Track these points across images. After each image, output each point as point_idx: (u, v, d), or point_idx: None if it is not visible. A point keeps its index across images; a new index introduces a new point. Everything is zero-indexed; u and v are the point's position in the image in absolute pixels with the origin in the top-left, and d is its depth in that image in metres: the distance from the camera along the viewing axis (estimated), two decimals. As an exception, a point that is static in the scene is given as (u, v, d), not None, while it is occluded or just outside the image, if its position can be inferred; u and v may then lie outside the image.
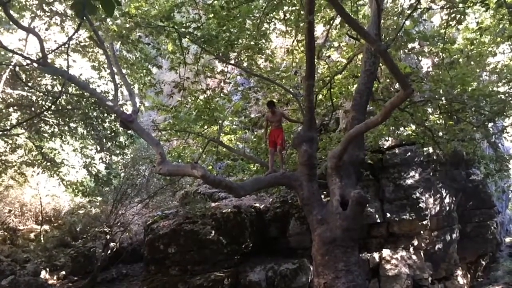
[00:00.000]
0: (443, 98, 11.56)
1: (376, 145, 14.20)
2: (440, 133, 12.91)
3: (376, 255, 14.07)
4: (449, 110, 12.08)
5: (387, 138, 14.63)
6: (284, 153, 10.09)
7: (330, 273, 8.09)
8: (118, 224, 17.66)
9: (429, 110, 13.26)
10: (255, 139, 14.27)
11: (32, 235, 19.60)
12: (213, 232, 14.44)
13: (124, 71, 12.65)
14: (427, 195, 14.53)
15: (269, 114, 9.75)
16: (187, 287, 13.84)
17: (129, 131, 14.55)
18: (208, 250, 14.35)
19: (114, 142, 15.62)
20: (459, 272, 16.80)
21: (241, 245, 14.80)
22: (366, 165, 13.66)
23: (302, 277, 13.92)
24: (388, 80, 13.03)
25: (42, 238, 18.87)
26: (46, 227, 20.27)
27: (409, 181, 14.46)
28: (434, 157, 14.99)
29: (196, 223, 14.65)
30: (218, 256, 14.40)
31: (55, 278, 16.91)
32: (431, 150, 14.49)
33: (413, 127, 13.19)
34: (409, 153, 14.61)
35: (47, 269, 16.92)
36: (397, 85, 12.56)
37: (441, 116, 12.83)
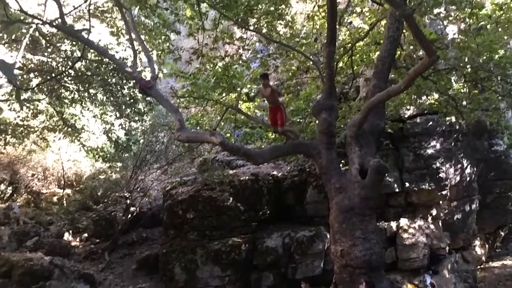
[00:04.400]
0: (468, 66, 11.21)
1: (396, 114, 13.95)
2: (464, 102, 12.59)
3: (393, 224, 14.05)
4: (474, 79, 11.73)
5: (408, 107, 14.34)
6: (287, 129, 9.66)
7: (347, 240, 8.13)
8: (138, 189, 17.98)
9: (453, 78, 12.90)
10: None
11: (55, 199, 20.15)
12: (230, 199, 14.58)
13: (142, 37, 12.55)
14: (447, 165, 14.32)
15: (261, 88, 9.26)
16: (205, 251, 14.13)
17: (148, 98, 14.59)
18: (225, 216, 14.54)
19: (133, 108, 15.69)
20: (477, 243, 16.77)
21: (258, 212, 14.94)
22: (386, 134, 13.47)
23: (318, 244, 14.04)
24: (411, 47, 12.66)
25: (64, 202, 19.38)
26: (68, 191, 20.79)
27: (429, 151, 14.24)
28: (457, 127, 14.67)
29: (214, 190, 14.79)
30: (235, 223, 14.59)
31: (77, 240, 17.47)
32: (453, 119, 14.16)
33: (436, 95, 12.87)
34: (431, 123, 14.32)
35: (70, 232, 17.46)
36: (420, 52, 12.23)
37: (465, 85, 12.47)
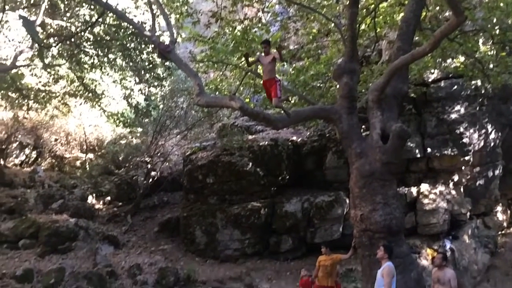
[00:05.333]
0: (496, 27, 10.74)
1: (420, 78, 13.58)
2: (491, 65, 12.13)
3: (413, 190, 13.96)
4: (502, 40, 11.24)
5: (432, 71, 13.92)
6: (282, 102, 8.50)
7: (367, 205, 8.10)
8: (158, 154, 18.20)
9: (481, 40, 12.40)
10: (293, 72, 13.92)
11: (78, 163, 20.57)
12: (250, 164, 14.65)
13: (160, 0, 12.36)
14: (471, 130, 14.01)
15: (262, 55, 8.47)
16: (225, 215, 14.36)
17: (167, 63, 14.52)
18: (245, 181, 14.67)
19: (152, 73, 15.68)
20: (499, 208, 16.58)
21: (278, 177, 15.01)
22: (408, 99, 13.19)
23: (337, 209, 14.10)
24: (437, 8, 12.17)
25: (87, 166, 19.76)
26: (90, 155, 21.16)
27: (453, 116, 13.92)
28: (482, 91, 14.23)
29: (234, 155, 14.86)
30: (255, 187, 14.72)
31: (101, 203, 17.91)
32: (479, 83, 13.70)
33: (462, 58, 12.44)
34: (455, 87, 13.93)
35: (93, 195, 17.89)
36: (447, 13, 11.76)
37: (493, 47, 11.99)
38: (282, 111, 8.58)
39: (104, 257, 13.06)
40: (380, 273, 6.80)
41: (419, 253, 12.72)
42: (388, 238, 7.86)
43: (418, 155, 14.10)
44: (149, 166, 17.67)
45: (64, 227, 13.59)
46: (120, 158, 20.12)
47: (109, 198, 18.04)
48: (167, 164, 18.77)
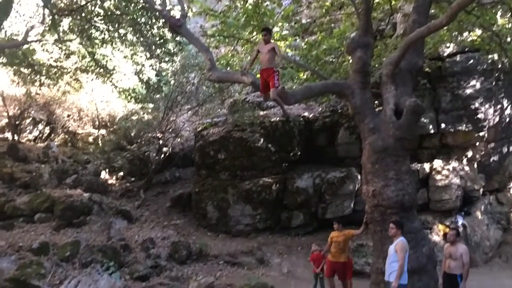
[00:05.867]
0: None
1: (435, 52, 13.30)
2: (508, 39, 11.84)
3: (426, 166, 13.84)
4: (522, 13, 10.94)
5: (448, 45, 13.60)
6: (278, 91, 7.87)
7: (379, 181, 8.07)
8: (170, 130, 18.23)
9: (499, 13, 12.05)
10: (305, 46, 13.72)
11: (90, 139, 20.72)
12: (261, 140, 14.64)
13: (170, -27, 12.19)
14: (486, 106, 13.74)
15: (262, 43, 8.03)
16: (237, 191, 14.45)
17: (178, 38, 14.39)
18: (256, 157, 14.68)
19: (163, 49, 15.55)
20: (513, 185, 16.42)
21: (289, 153, 14.99)
22: (423, 73, 12.94)
23: (349, 185, 14.09)
24: (454, -21, 11.79)
25: (100, 142, 19.91)
26: (103, 131, 21.30)
27: (468, 91, 13.65)
28: (499, 65, 13.90)
29: (245, 131, 14.84)
30: (266, 163, 14.74)
31: (114, 178, 18.11)
32: (496, 57, 13.36)
33: (479, 32, 12.13)
34: (471, 61, 13.61)
35: (106, 170, 18.07)
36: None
37: (511, 20, 11.67)
38: (280, 107, 8.42)
39: (118, 231, 13.28)
40: (393, 248, 6.81)
41: (430, 229, 12.70)
42: (400, 213, 7.85)
43: (432, 131, 13.94)
44: (160, 142, 17.75)
45: (78, 202, 13.79)
46: (132, 134, 20.22)
47: (121, 173, 18.21)
48: (178, 140, 18.82)
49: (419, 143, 14.32)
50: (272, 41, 8.16)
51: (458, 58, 13.75)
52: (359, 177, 13.96)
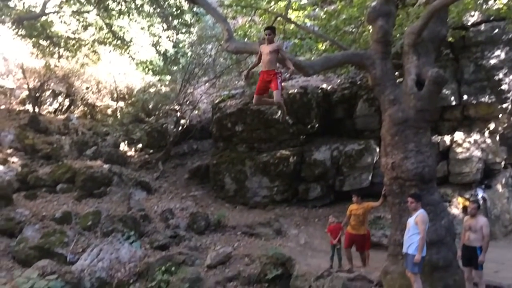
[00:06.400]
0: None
1: (459, 21, 12.83)
2: (537, 7, 11.36)
3: (447, 138, 13.59)
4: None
5: (472, 13, 13.14)
6: (281, 99, 7.60)
7: (399, 153, 7.96)
8: (187, 102, 18.25)
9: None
10: (324, 16, 13.41)
11: (109, 111, 20.91)
12: (279, 112, 14.51)
13: None
14: (511, 77, 13.33)
15: (264, 44, 7.54)
16: (254, 163, 14.50)
17: (195, 8, 14.22)
18: (274, 129, 14.64)
19: (180, 20, 15.43)
20: (535, 158, 16.07)
21: (307, 125, 14.90)
22: (445, 43, 12.58)
23: (367, 158, 13.99)
24: None
25: (118, 114, 20.07)
26: (121, 103, 21.43)
27: (492, 61, 13.24)
28: (525, 35, 13.43)
29: (263, 103, 14.73)
30: (284, 135, 14.70)
31: (132, 150, 18.33)
32: (522, 26, 12.94)
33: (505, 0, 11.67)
34: (496, 30, 13.13)
35: (125, 142, 18.28)
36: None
37: (540, -13, 11.17)
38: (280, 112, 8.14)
39: (137, 202, 13.54)
40: (413, 220, 6.76)
41: (450, 201, 12.58)
42: (419, 186, 7.76)
43: (454, 103, 13.63)
44: (178, 114, 17.80)
45: (99, 173, 14.05)
46: (150, 106, 20.31)
47: (140, 145, 18.41)
48: (196, 112, 18.85)
49: (440, 115, 14.05)
50: (276, 40, 7.77)
51: (482, 27, 13.29)
52: (377, 149, 13.84)
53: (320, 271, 8.87)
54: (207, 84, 18.99)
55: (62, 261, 10.46)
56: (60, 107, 20.52)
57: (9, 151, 15.33)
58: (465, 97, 13.50)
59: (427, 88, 7.83)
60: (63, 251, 10.82)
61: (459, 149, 13.29)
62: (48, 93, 20.31)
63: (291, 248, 11.40)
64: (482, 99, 13.33)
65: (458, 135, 13.53)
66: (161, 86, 20.02)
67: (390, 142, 8.19)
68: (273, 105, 8.62)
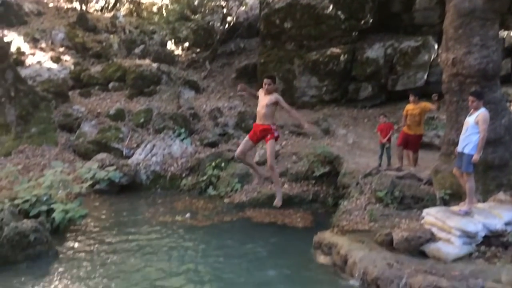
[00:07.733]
0: None
1: None
2: None
3: (514, 34, 12.51)
4: None
5: None
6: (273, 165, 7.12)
7: (462, 47, 7.33)
8: (233, -3, 17.49)
9: None
10: None
11: (154, 8, 20.47)
12: (330, 6, 13.69)
13: None
14: None
15: (262, 92, 6.83)
16: (303, 61, 14.08)
17: None
18: (324, 25, 13.92)
19: None
20: None
21: (360, 20, 13.99)
22: None
23: (424, 55, 13.19)
24: None
25: (164, 11, 19.63)
26: (166, 0, 20.84)
27: None
28: None
29: (313, -3, 13.88)
30: (335, 32, 13.98)
31: (179, 49, 18.21)
32: None
33: None
34: None
35: (172, 41, 18.11)
36: None
37: None
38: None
39: (187, 101, 13.72)
40: (473, 119, 6.35)
41: (511, 101, 11.88)
42: (481, 83, 7.24)
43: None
44: (224, 10, 17.21)
45: (148, 71, 14.19)
46: (195, 3, 19.65)
47: (187, 44, 18.20)
48: (243, 8, 18.11)
49: (508, 7, 12.72)
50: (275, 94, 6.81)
51: None
52: (435, 46, 12.98)
53: (369, 169, 8.86)
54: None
55: (119, 155, 11.11)
56: (107, 5, 20.30)
57: (61, 49, 15.60)
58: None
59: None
60: (118, 146, 11.41)
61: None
62: (94, -10, 20.03)
63: (339, 148, 11.35)
64: None
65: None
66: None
67: (452, 36, 7.53)
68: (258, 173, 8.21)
